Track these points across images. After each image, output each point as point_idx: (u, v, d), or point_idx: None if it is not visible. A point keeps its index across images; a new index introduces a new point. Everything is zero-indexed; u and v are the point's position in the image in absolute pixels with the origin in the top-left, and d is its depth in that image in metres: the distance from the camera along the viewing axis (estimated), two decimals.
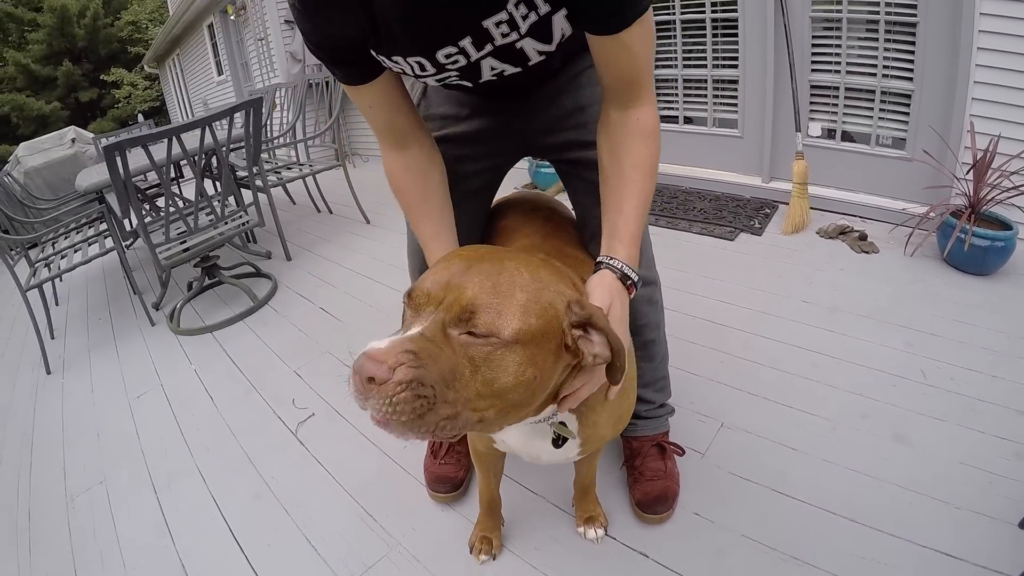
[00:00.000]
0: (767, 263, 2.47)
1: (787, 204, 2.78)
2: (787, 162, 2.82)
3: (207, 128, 2.44)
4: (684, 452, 1.44)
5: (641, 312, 1.22)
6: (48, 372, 2.61)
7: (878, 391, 1.62)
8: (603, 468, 1.44)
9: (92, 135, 6.56)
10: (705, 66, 3.20)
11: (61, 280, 3.50)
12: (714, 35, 3.09)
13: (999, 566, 1.09)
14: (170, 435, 1.94)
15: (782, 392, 1.67)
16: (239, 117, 2.68)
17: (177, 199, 2.60)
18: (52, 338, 2.98)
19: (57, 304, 3.52)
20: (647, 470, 1.34)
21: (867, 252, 2.40)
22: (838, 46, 2.69)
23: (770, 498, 1.34)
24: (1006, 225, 2.13)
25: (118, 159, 2.19)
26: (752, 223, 2.82)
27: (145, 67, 14.72)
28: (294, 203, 4.39)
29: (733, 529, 1.27)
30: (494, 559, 1.28)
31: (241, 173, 3.33)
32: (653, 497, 1.30)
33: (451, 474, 1.43)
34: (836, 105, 2.79)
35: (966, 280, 2.13)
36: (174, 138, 2.36)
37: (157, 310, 2.99)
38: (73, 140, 6.55)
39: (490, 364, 0.62)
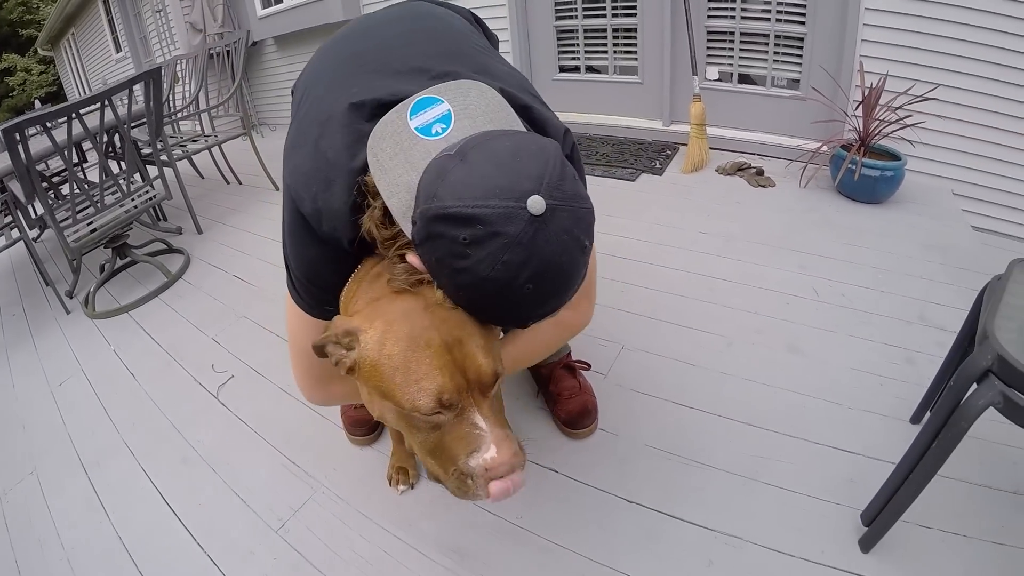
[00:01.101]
0: (666, 200, 2.55)
1: (687, 145, 2.87)
2: (687, 105, 2.90)
3: (107, 103, 2.34)
4: (590, 367, 1.53)
5: None
6: None
7: (772, 309, 1.73)
8: (511, 396, 1.53)
9: None
10: (604, 15, 3.24)
11: None
12: None
13: (893, 457, 1.14)
14: (95, 416, 1.90)
15: (679, 315, 1.76)
16: (139, 92, 2.57)
17: (82, 181, 2.49)
18: None
19: None
20: (563, 390, 1.43)
21: (764, 186, 2.53)
22: None
23: (671, 410, 1.44)
24: (895, 156, 2.27)
25: (19, 142, 2.08)
26: (653, 164, 2.90)
27: (39, 50, 13.64)
28: (203, 177, 4.27)
29: (636, 440, 1.37)
30: (412, 488, 1.34)
31: (146, 150, 3.21)
32: (576, 413, 1.39)
33: (367, 417, 1.47)
34: (732, 50, 2.89)
35: (859, 208, 2.27)
36: (75, 118, 2.25)
37: (71, 298, 2.87)
38: None
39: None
